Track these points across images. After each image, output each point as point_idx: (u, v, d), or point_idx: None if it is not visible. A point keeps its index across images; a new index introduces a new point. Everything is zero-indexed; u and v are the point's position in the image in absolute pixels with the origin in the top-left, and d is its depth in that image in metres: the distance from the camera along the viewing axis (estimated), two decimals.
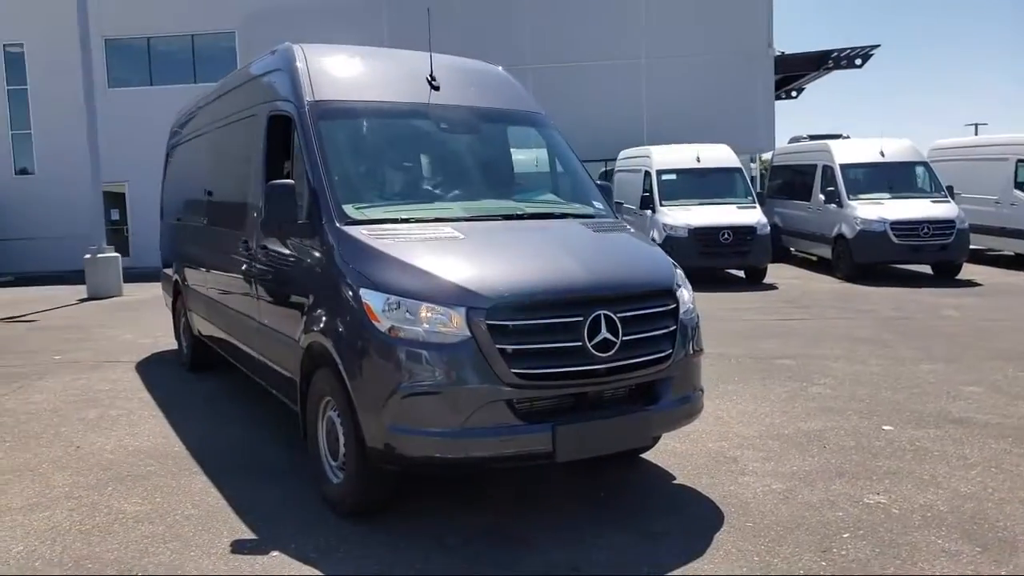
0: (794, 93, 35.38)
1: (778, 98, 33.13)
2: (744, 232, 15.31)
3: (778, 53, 26.08)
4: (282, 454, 5.55)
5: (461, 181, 5.41)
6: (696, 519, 4.35)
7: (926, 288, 14.06)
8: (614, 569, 3.81)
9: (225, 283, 6.58)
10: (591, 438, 4.06)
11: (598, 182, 5.82)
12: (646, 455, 5.31)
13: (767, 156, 25.95)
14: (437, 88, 5.46)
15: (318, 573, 3.80)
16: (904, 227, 14.99)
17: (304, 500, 4.69)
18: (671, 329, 4.38)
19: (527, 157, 6.26)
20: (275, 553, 4.01)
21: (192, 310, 8.04)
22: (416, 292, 4.01)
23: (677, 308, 4.45)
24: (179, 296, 8.58)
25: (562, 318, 4.03)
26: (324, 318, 4.43)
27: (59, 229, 24.12)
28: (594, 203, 5.50)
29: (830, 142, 17.97)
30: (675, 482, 4.94)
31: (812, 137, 19.89)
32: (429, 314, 3.96)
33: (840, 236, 15.96)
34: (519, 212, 5.05)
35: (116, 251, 17.19)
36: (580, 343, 4.00)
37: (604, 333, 4.04)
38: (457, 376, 3.91)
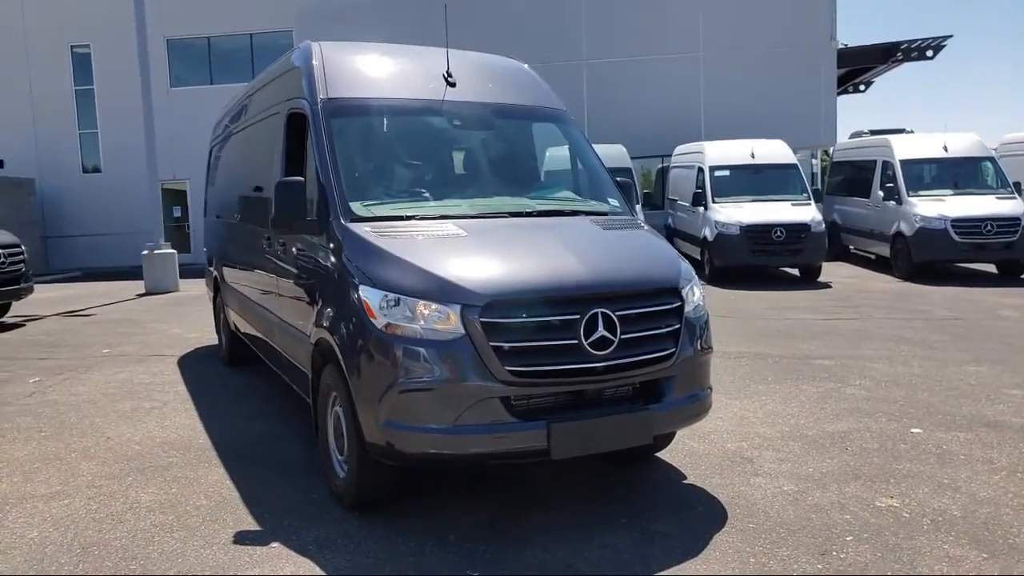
0: (862, 87, 34.51)
1: (844, 92, 32.36)
2: (797, 230, 14.99)
3: (841, 46, 25.43)
4: (300, 449, 5.63)
5: (473, 178, 5.41)
6: (699, 519, 4.28)
7: (987, 288, 13.57)
8: (607, 567, 3.77)
9: (253, 279, 6.72)
10: (587, 436, 4.02)
11: (618, 179, 5.75)
12: (661, 453, 5.26)
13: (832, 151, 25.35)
14: (453, 85, 5.45)
15: (312, 565, 3.85)
16: (966, 225, 14.51)
17: (313, 494, 4.75)
18: (675, 327, 4.30)
19: (564, 154, 6.20)
20: (275, 545, 4.07)
21: (228, 305, 8.22)
22: (412, 289, 4.02)
23: (682, 306, 4.37)
24: (218, 292, 8.78)
25: (558, 316, 3.99)
26: (330, 314, 4.48)
27: (124, 225, 24.96)
28: (610, 200, 5.44)
29: (890, 137, 17.45)
30: (685, 482, 4.87)
31: (873, 132, 19.34)
32: (425, 311, 3.96)
33: (899, 234, 15.51)
34: (528, 210, 5.00)
35: (178, 247, 17.70)
36: (576, 341, 3.96)
37: (601, 331, 3.99)
38: (451, 373, 3.90)
